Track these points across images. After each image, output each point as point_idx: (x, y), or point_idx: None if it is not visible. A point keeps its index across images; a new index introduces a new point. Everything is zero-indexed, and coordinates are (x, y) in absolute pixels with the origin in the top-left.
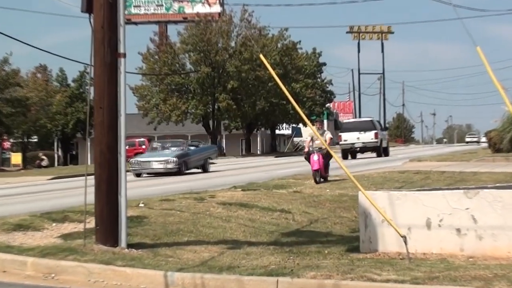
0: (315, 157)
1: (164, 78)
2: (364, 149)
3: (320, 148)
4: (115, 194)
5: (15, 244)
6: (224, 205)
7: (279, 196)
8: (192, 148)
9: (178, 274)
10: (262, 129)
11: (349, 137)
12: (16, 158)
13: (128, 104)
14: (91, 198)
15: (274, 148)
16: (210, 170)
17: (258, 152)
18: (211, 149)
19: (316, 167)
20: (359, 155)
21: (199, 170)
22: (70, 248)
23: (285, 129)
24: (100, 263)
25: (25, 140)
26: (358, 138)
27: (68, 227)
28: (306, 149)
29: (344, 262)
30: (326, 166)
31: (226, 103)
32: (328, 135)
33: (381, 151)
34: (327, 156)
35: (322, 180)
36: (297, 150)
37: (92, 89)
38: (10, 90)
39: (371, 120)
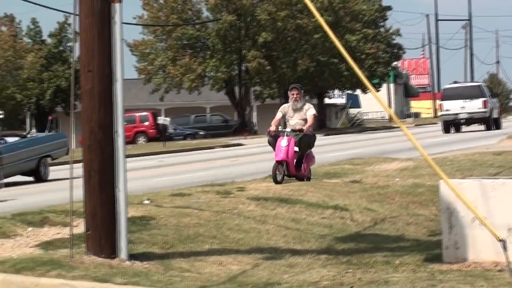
0: (283, 141)
1: (173, 30)
2: (471, 120)
3: (298, 132)
4: (111, 188)
5: None
6: (258, 201)
7: (331, 188)
8: (10, 141)
9: None
10: (306, 97)
11: (452, 106)
12: None
13: (125, 66)
14: (78, 193)
15: (322, 122)
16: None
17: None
18: (53, 142)
19: (280, 157)
20: (464, 128)
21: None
22: (52, 260)
23: (338, 97)
24: (93, 280)
25: None
26: (462, 107)
27: (49, 233)
28: (272, 128)
29: (422, 276)
30: (301, 159)
31: (257, 62)
32: (311, 111)
33: (491, 123)
34: (305, 144)
35: (291, 177)
36: (354, 125)
37: (76, 47)
38: None
39: (478, 85)
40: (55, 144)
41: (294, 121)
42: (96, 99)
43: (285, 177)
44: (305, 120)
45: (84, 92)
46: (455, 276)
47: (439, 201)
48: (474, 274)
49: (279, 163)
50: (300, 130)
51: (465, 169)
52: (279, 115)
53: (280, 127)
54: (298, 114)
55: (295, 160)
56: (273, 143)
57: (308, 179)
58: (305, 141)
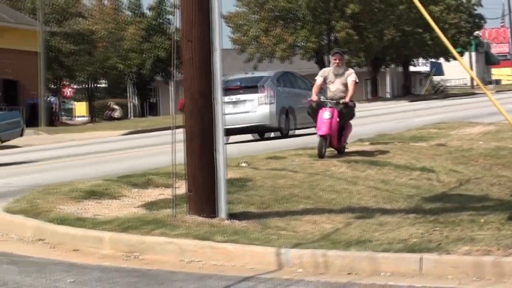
0: (325, 114)
1: (265, 2)
2: None
3: (338, 101)
4: (210, 151)
5: (87, 216)
6: (349, 163)
7: (418, 151)
8: None
9: (294, 251)
10: (392, 65)
11: None
12: (81, 108)
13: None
14: (180, 157)
15: (407, 89)
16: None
17: (388, 95)
18: (2, 122)
19: (324, 131)
20: None
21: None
22: (156, 219)
23: (422, 65)
24: (195, 238)
25: (91, 85)
26: None
27: (153, 194)
28: (314, 98)
29: (506, 234)
30: (341, 130)
31: (345, 32)
32: (352, 77)
33: None
34: (347, 116)
35: (334, 151)
36: (437, 92)
37: (177, 18)
38: (71, 22)
39: None
40: (6, 124)
41: (335, 87)
42: (197, 68)
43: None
44: (346, 86)
45: (185, 61)
46: None
47: None
48: None
49: (323, 137)
50: (341, 99)
51: None
52: (319, 79)
53: (321, 96)
54: (339, 79)
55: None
56: (313, 113)
57: (344, 149)
58: (347, 112)
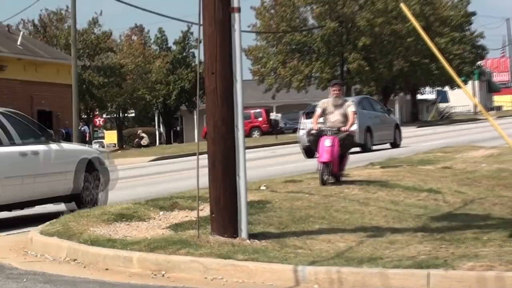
0: (326, 141)
1: (283, 36)
2: None
3: (338, 130)
4: (232, 176)
5: (117, 237)
6: (361, 186)
7: (425, 173)
8: None
9: (310, 268)
10: (401, 94)
11: None
12: (111, 136)
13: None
14: (203, 181)
15: (415, 116)
16: None
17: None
18: None
19: (326, 158)
20: None
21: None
22: (181, 240)
23: (428, 93)
24: (217, 257)
25: (121, 115)
26: None
27: (178, 216)
28: (315, 126)
29: (508, 250)
30: (342, 158)
31: (357, 64)
32: (352, 108)
33: None
34: (347, 144)
35: (332, 179)
36: (443, 118)
37: (200, 52)
38: (102, 56)
39: None
40: None
41: (335, 117)
42: (219, 98)
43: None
44: (345, 117)
45: (209, 91)
46: None
47: None
48: None
49: (325, 164)
50: (341, 129)
51: None
52: (319, 110)
53: (320, 125)
54: (338, 110)
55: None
56: (314, 141)
57: (342, 176)
58: (347, 141)
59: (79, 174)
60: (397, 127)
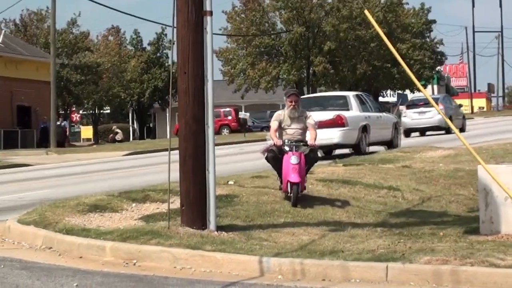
0: (293, 159)
1: (252, 39)
2: None
3: (301, 143)
4: (202, 171)
5: (91, 227)
6: (324, 182)
7: (385, 172)
8: None
9: (274, 259)
10: None
11: None
12: (87, 132)
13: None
14: (175, 175)
15: None
16: None
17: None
18: None
19: (295, 178)
20: None
21: None
22: (152, 231)
23: (390, 96)
24: (186, 247)
25: (97, 111)
26: None
27: (150, 208)
28: (278, 142)
29: (462, 246)
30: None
31: (323, 67)
32: (312, 120)
33: None
34: (312, 159)
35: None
36: None
37: (174, 53)
38: (79, 55)
39: None
40: None
41: (292, 131)
42: (191, 96)
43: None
44: (304, 129)
45: (181, 90)
46: (490, 246)
47: (477, 183)
48: (506, 244)
49: (295, 185)
50: (302, 141)
51: (498, 156)
52: (275, 124)
53: (286, 141)
54: (296, 123)
55: None
56: (275, 160)
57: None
58: (313, 156)
59: (392, 129)
60: (395, 126)
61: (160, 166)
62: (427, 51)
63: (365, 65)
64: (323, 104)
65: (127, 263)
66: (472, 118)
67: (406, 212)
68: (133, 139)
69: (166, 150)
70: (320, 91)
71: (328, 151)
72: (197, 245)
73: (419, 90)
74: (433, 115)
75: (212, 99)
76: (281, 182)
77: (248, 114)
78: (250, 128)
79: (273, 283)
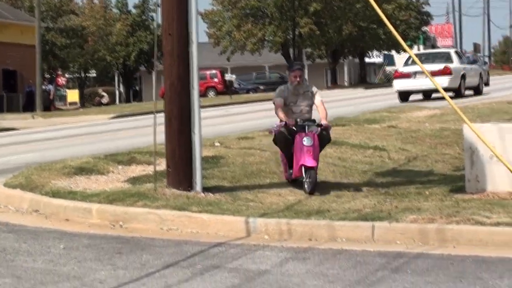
0: (307, 140)
1: (238, 1)
2: None
3: (318, 124)
4: (188, 132)
5: (77, 190)
6: None
7: (371, 132)
8: None
9: (261, 220)
10: (350, 57)
11: None
12: (73, 95)
13: (198, 31)
14: (160, 137)
15: (363, 78)
16: None
17: (345, 84)
18: None
19: (311, 162)
20: None
21: None
22: (139, 193)
23: (376, 57)
24: (173, 209)
25: (82, 75)
26: None
27: (136, 170)
28: (290, 121)
29: (448, 204)
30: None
31: (308, 28)
32: (319, 96)
33: None
34: (326, 139)
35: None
36: (390, 81)
37: (159, 15)
38: (64, 18)
39: None
40: None
41: (299, 108)
42: (176, 58)
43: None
44: (311, 107)
45: (166, 52)
46: (476, 204)
47: (463, 142)
48: (492, 202)
49: (310, 169)
50: (311, 120)
51: (484, 115)
52: (280, 100)
53: (298, 119)
54: (302, 99)
55: None
56: (285, 142)
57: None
58: (327, 137)
59: (479, 78)
60: (480, 75)
61: (146, 129)
62: (412, 11)
63: (350, 26)
64: (431, 58)
65: (113, 225)
66: None
67: (392, 171)
68: (119, 102)
69: (152, 112)
70: (306, 52)
71: (428, 95)
72: (183, 207)
73: (405, 51)
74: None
75: (197, 61)
76: (289, 167)
77: (234, 76)
78: (236, 90)
79: (259, 244)
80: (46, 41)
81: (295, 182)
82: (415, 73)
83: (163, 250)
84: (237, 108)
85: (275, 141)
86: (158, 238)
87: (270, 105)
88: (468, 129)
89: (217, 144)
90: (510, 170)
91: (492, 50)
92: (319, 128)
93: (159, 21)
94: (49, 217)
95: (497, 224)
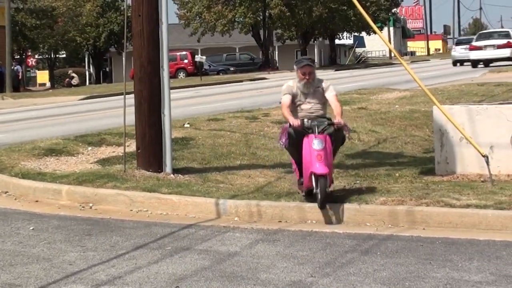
0: (317, 143)
1: None
2: None
3: (330, 122)
4: (157, 113)
5: (47, 171)
6: (280, 124)
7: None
8: None
9: (231, 201)
10: (320, 39)
11: None
12: (43, 76)
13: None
14: (130, 119)
15: (333, 60)
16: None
17: (316, 65)
18: None
19: (322, 169)
20: None
21: None
22: (109, 174)
23: (346, 38)
24: (143, 190)
25: (52, 56)
26: None
27: (106, 151)
28: (296, 122)
29: (418, 186)
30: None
31: (279, 9)
32: (332, 90)
33: None
34: (340, 139)
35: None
36: (360, 62)
37: None
38: None
39: None
40: None
41: (309, 105)
42: (145, 39)
43: None
44: (324, 103)
45: (135, 33)
46: (446, 186)
47: (433, 124)
48: (461, 184)
49: (322, 177)
50: (323, 117)
51: (454, 97)
52: (287, 98)
53: (306, 120)
54: (313, 97)
55: None
56: (294, 145)
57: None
58: (341, 136)
59: None
60: None
61: (116, 110)
62: None
63: (321, 7)
64: (494, 36)
65: (83, 207)
66: (428, 60)
67: (362, 153)
68: (89, 83)
69: (122, 94)
70: (276, 33)
71: (487, 63)
72: (153, 188)
73: (375, 32)
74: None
75: (167, 42)
76: (300, 176)
77: (204, 57)
78: (206, 71)
79: (229, 225)
80: (16, 22)
81: (311, 196)
82: (485, 46)
83: (133, 232)
84: (207, 90)
85: (287, 149)
86: (128, 220)
87: (240, 86)
88: (438, 111)
89: (187, 125)
90: (479, 152)
91: (462, 32)
92: (331, 127)
93: (129, 2)
94: (19, 198)
95: (467, 206)
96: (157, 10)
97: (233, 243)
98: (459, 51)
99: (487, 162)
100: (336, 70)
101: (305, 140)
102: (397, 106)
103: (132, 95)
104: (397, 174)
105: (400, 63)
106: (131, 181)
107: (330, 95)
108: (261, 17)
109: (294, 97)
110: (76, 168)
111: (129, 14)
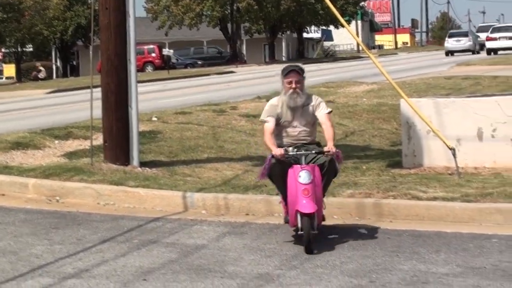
0: (304, 176)
1: None
2: None
3: (319, 151)
4: (124, 107)
5: (14, 165)
6: (248, 118)
7: None
8: None
9: (198, 194)
10: (288, 32)
11: None
12: (9, 70)
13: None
14: (98, 112)
15: (301, 54)
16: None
17: (283, 59)
18: None
19: (310, 206)
20: None
21: None
22: (75, 167)
23: (314, 32)
24: (110, 183)
25: (19, 49)
26: None
27: (73, 145)
28: (278, 152)
29: (385, 179)
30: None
31: (246, 3)
32: (325, 108)
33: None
34: (332, 170)
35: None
36: (328, 56)
37: None
38: None
39: None
40: None
41: (296, 130)
42: (112, 32)
43: None
44: (313, 125)
45: (103, 26)
46: (413, 179)
47: (400, 116)
48: (428, 177)
49: (308, 216)
50: (312, 143)
51: (421, 90)
52: (271, 121)
53: (287, 148)
54: (301, 116)
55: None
56: (279, 176)
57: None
58: (333, 168)
59: None
60: None
61: (84, 104)
62: None
63: (288, 1)
64: (508, 29)
65: (50, 200)
66: (396, 54)
67: None
68: (56, 77)
69: (89, 87)
70: (244, 27)
71: (496, 51)
72: (120, 181)
73: (343, 26)
74: (465, 42)
75: (134, 35)
76: (287, 211)
77: (172, 51)
78: (174, 65)
79: (197, 218)
80: None
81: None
82: (499, 37)
83: (100, 225)
84: (175, 83)
85: (269, 175)
86: (95, 213)
87: (207, 80)
88: (405, 104)
89: (154, 118)
90: (446, 144)
91: (430, 26)
92: (322, 157)
93: None
94: None
95: (434, 198)
96: (124, 3)
97: (201, 236)
98: (451, 43)
99: (454, 155)
100: (304, 64)
101: (290, 171)
102: (364, 99)
103: (100, 89)
104: (365, 167)
105: (368, 56)
106: (98, 174)
107: (321, 114)
108: (229, 11)
109: (278, 118)
110: (43, 162)
111: (96, 7)
